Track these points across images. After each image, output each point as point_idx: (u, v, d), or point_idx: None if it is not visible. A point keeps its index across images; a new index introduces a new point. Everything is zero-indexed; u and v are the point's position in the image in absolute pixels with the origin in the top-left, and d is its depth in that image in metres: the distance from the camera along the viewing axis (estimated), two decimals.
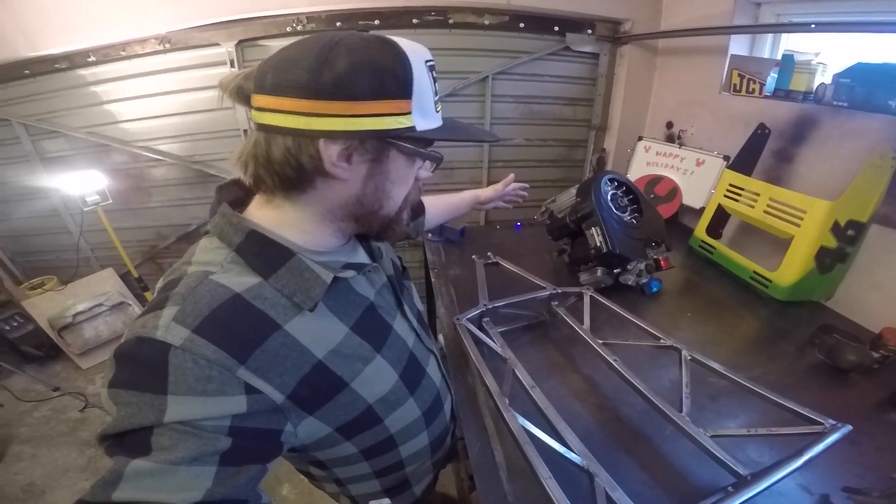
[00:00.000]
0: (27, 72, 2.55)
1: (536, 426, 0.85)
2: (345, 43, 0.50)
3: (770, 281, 1.41)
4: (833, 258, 1.34)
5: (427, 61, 0.56)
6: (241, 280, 0.53)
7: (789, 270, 1.36)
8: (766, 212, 1.48)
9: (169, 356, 0.45)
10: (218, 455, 0.44)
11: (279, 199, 0.58)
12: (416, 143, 0.57)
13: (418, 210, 1.13)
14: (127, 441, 0.44)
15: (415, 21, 2.37)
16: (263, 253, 0.55)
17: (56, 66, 2.51)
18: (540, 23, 2.49)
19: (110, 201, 2.59)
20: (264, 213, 0.59)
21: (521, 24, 2.47)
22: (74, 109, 2.66)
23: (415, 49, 0.54)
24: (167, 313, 0.48)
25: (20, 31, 2.35)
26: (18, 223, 3.05)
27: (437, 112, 0.59)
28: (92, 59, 2.48)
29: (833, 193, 1.31)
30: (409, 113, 0.54)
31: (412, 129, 0.55)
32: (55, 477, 2.16)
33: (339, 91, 0.49)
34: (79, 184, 2.45)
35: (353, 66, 0.49)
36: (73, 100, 2.63)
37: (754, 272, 1.47)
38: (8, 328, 2.75)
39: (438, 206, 1.26)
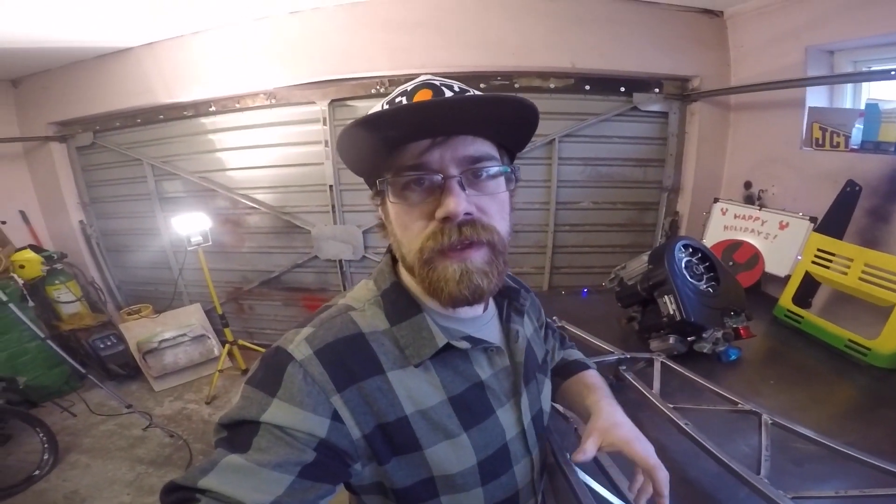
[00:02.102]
0: (161, 117, 3.06)
1: (597, 483, 0.82)
2: None
3: (869, 349, 1.27)
4: None
5: (388, 98, 0.58)
6: (371, 321, 0.59)
7: (891, 338, 1.22)
8: (861, 279, 1.35)
9: (288, 366, 0.52)
10: (300, 466, 0.48)
11: None
12: (394, 179, 0.55)
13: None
14: (234, 435, 0.49)
15: (482, 86, 2.54)
16: (398, 303, 0.61)
17: (185, 112, 3.00)
18: (605, 84, 2.56)
19: (210, 243, 2.91)
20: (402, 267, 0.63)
21: (587, 87, 2.56)
22: (193, 155, 3.12)
23: (392, 93, 0.59)
24: (304, 332, 0.55)
25: (162, 80, 2.85)
26: (131, 255, 3.53)
27: None
28: (213, 108, 2.93)
29: None
30: None
31: None
32: (100, 488, 2.26)
33: None
34: (188, 224, 2.80)
35: None
36: (193, 146, 3.09)
37: (850, 340, 1.33)
38: (102, 346, 3.09)
39: (581, 382, 0.89)
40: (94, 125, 3.21)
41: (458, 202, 0.51)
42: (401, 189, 0.54)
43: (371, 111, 0.56)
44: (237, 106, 2.87)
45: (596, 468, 0.88)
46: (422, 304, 0.61)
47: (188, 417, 2.83)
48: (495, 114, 0.55)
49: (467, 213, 0.52)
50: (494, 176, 0.56)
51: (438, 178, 0.53)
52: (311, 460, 0.48)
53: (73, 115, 3.16)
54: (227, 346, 3.13)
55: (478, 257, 0.54)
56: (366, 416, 0.54)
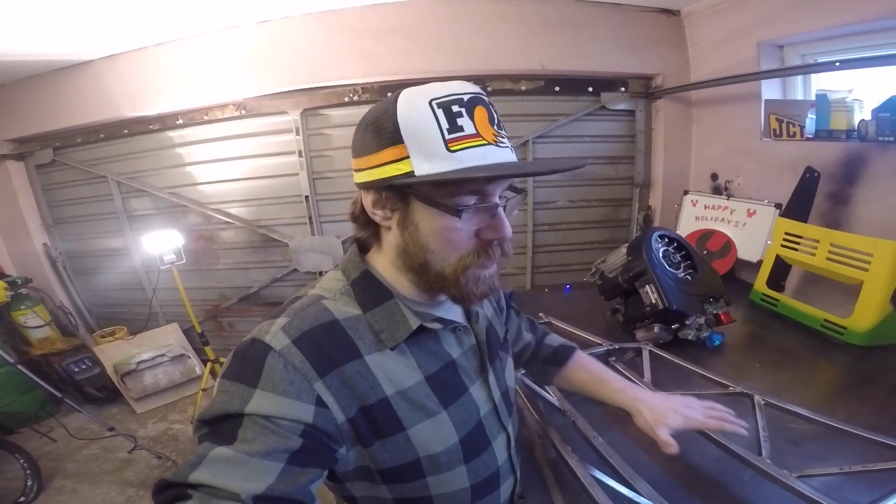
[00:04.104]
0: (126, 131, 2.95)
1: (602, 474, 0.84)
2: (379, 102, 0.58)
3: (844, 328, 1.33)
4: None
5: (436, 99, 0.53)
6: (344, 309, 0.60)
7: (864, 315, 1.28)
8: (828, 259, 1.42)
9: (267, 357, 0.52)
10: (288, 454, 0.49)
11: (376, 246, 0.66)
12: (436, 190, 0.55)
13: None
14: (218, 430, 0.50)
15: None
16: (369, 290, 0.62)
17: (150, 126, 2.90)
18: (574, 85, 2.62)
19: (184, 261, 2.81)
20: (377, 259, 0.66)
21: (557, 88, 2.62)
22: (161, 170, 3.01)
23: (424, 91, 0.54)
24: (279, 322, 0.56)
25: (125, 93, 2.74)
26: (101, 277, 3.38)
27: (456, 152, 0.53)
28: (180, 121, 2.85)
29: None
30: (407, 157, 0.54)
31: (411, 173, 0.54)
32: None
33: (362, 147, 0.58)
34: (159, 243, 2.70)
35: (367, 123, 0.57)
36: (161, 160, 2.98)
37: (825, 320, 1.39)
38: (77, 370, 2.98)
39: (586, 370, 0.93)
40: (54, 141, 3.06)
41: (508, 227, 0.59)
42: (455, 209, 0.55)
43: (415, 104, 0.53)
44: (206, 118, 2.80)
45: (599, 459, 0.91)
46: (393, 290, 0.63)
47: (175, 438, 2.75)
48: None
49: None
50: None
51: (493, 203, 0.58)
52: (299, 447, 0.49)
53: (31, 131, 3.01)
54: (209, 364, 3.04)
55: (495, 265, 0.62)
56: (348, 399, 0.55)
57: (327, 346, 0.56)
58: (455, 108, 0.53)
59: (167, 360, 3.10)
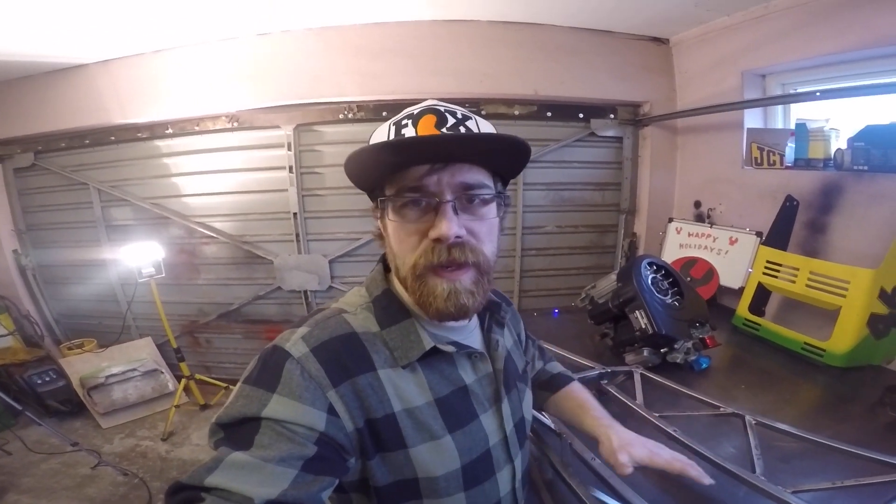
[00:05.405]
0: (113, 138, 2.88)
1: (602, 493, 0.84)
2: None
3: (824, 350, 1.38)
4: (886, 324, 1.33)
5: (395, 120, 0.61)
6: (363, 324, 0.62)
7: (842, 339, 1.34)
8: (808, 286, 1.49)
9: (286, 363, 0.54)
10: (302, 461, 0.50)
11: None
12: (391, 193, 0.59)
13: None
14: (235, 434, 0.51)
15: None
16: (389, 308, 0.65)
17: (139, 134, 2.84)
18: (565, 111, 2.70)
19: (163, 275, 2.73)
20: (393, 277, 0.67)
21: (549, 113, 2.69)
22: (145, 179, 2.94)
23: (396, 116, 0.62)
24: (300, 332, 0.58)
25: (117, 99, 2.69)
26: (73, 288, 3.25)
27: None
28: (170, 130, 2.80)
29: (873, 260, 1.33)
30: None
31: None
32: None
33: None
34: (138, 255, 2.63)
35: None
36: (146, 170, 2.92)
37: (806, 343, 1.44)
38: (40, 382, 2.84)
39: (573, 397, 0.92)
40: (36, 145, 2.98)
41: (450, 226, 0.55)
42: (399, 207, 0.59)
43: (377, 132, 0.63)
44: (196, 129, 2.76)
45: (597, 480, 0.90)
46: (411, 310, 0.64)
47: (143, 455, 2.61)
48: (489, 148, 0.60)
49: (457, 237, 0.57)
50: (487, 202, 0.61)
51: (434, 200, 0.57)
52: (313, 454, 0.51)
53: (14, 133, 2.91)
54: (184, 380, 2.93)
55: (466, 278, 0.59)
56: (358, 410, 0.56)
57: (343, 357, 0.57)
58: (404, 122, 0.59)
59: (138, 375, 2.98)
